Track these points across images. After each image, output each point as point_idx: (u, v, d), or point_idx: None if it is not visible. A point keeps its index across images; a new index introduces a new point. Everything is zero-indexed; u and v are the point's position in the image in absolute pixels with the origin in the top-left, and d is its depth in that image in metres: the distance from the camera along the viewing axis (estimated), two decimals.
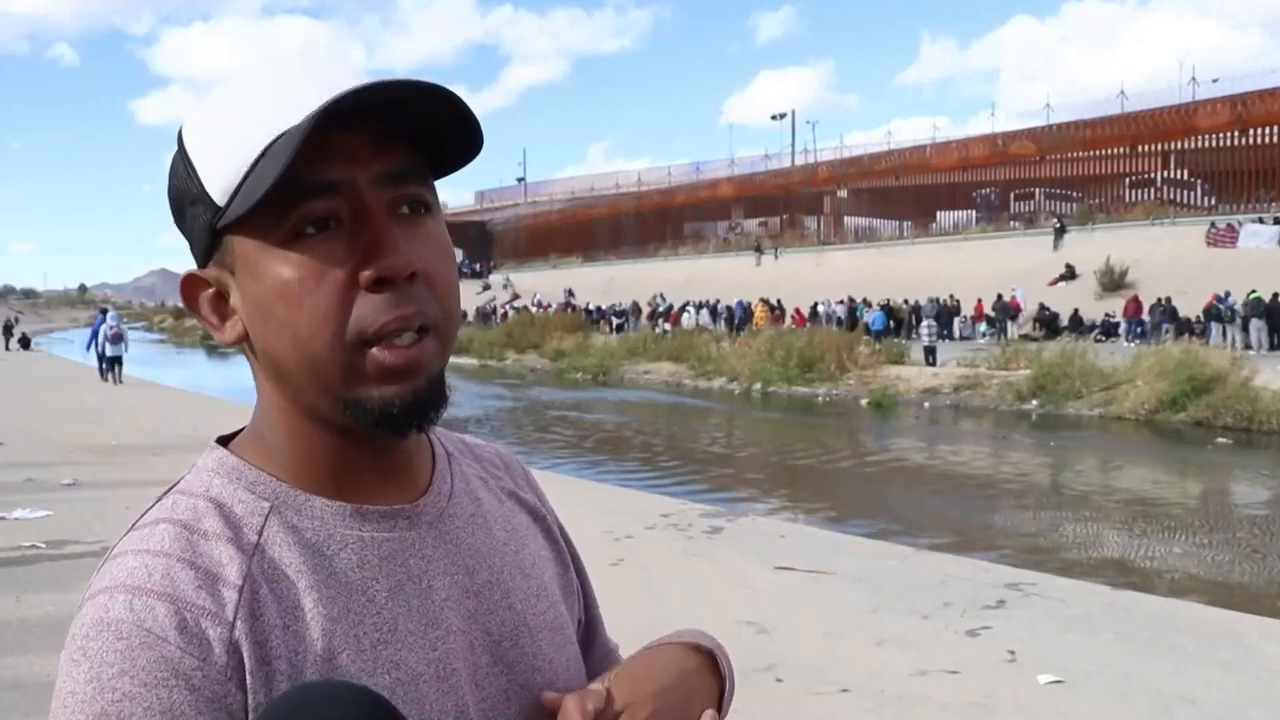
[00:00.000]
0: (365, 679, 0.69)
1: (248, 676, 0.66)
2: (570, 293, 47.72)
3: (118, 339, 22.68)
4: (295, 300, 0.69)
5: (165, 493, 0.75)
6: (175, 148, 0.74)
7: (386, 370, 0.69)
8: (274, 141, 0.68)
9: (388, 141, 0.70)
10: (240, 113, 0.70)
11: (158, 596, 0.66)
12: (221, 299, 0.74)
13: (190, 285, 0.75)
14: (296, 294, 0.69)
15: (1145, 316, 27.08)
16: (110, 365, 22.58)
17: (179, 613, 0.66)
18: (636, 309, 41.37)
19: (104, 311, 26.70)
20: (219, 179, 0.70)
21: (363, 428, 0.71)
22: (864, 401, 20.82)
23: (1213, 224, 32.55)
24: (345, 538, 0.73)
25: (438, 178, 0.76)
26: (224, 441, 0.78)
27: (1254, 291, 23.88)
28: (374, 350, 0.69)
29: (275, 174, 0.65)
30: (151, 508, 0.74)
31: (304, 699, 0.64)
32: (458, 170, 0.76)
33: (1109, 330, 27.91)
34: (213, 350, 51.95)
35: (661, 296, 42.37)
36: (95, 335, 23.28)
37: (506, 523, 0.85)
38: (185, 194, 0.72)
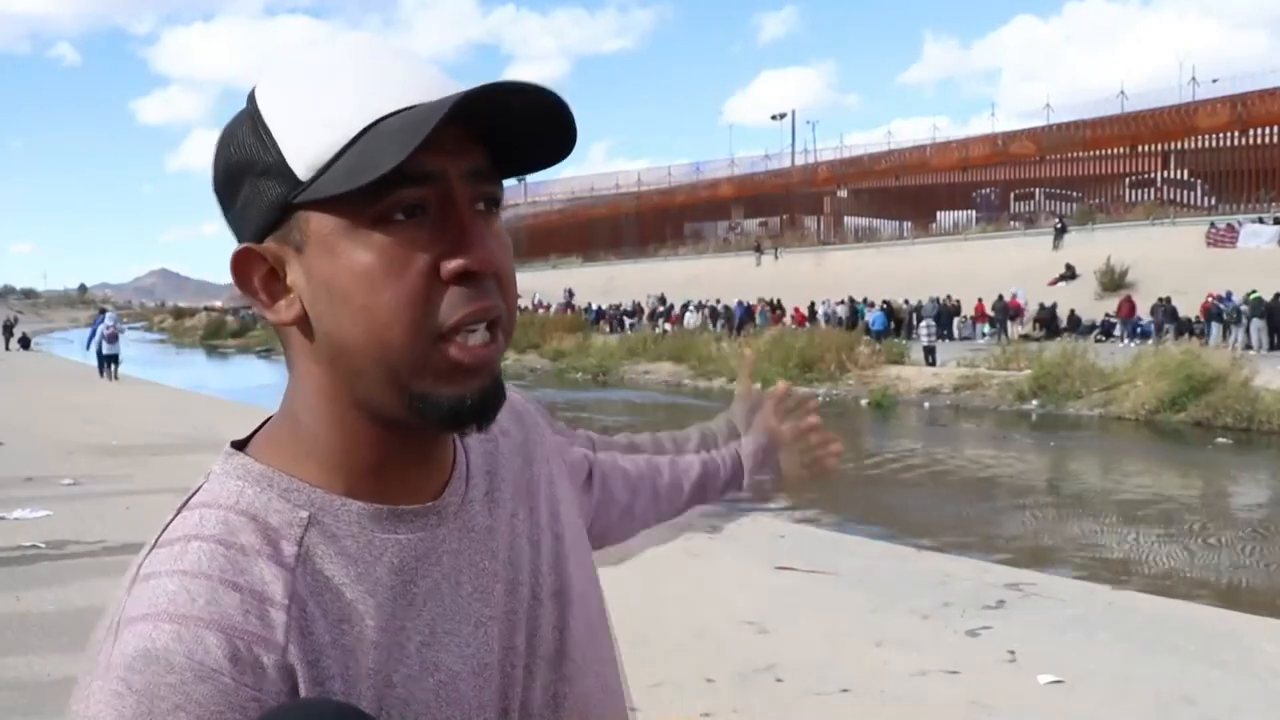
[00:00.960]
0: (413, 685, 0.70)
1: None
2: (570, 293, 47.71)
3: (114, 338, 23.64)
4: (376, 285, 0.67)
5: (185, 504, 0.72)
6: (246, 112, 0.71)
7: (462, 368, 0.69)
8: (378, 122, 0.67)
9: (472, 139, 0.70)
10: (335, 87, 0.68)
11: (206, 625, 0.63)
12: (275, 277, 0.71)
13: (245, 260, 0.71)
14: (379, 279, 0.67)
15: (1146, 317, 27.08)
16: (108, 363, 23.56)
17: (230, 641, 0.63)
18: (639, 309, 41.39)
19: (103, 312, 28.02)
20: (304, 152, 0.67)
21: (430, 423, 0.70)
22: (864, 402, 20.82)
23: (1213, 224, 32.57)
24: (384, 543, 0.72)
25: (506, 178, 0.76)
26: (239, 446, 0.75)
27: (1254, 291, 23.89)
28: (450, 347, 0.68)
29: (398, 157, 0.63)
30: (174, 521, 0.70)
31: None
32: (519, 175, 0.77)
33: (1109, 330, 27.93)
34: (213, 350, 51.96)
35: (661, 298, 42.34)
36: (94, 334, 24.29)
37: (515, 488, 0.85)
38: (252, 165, 0.69)
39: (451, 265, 0.67)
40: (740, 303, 36.54)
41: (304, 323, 0.71)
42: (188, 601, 0.64)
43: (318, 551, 0.70)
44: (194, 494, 0.72)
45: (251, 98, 0.71)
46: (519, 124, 0.70)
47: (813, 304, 34.91)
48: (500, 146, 0.72)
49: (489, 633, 0.76)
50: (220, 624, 0.64)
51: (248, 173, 0.70)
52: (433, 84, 0.69)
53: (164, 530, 0.70)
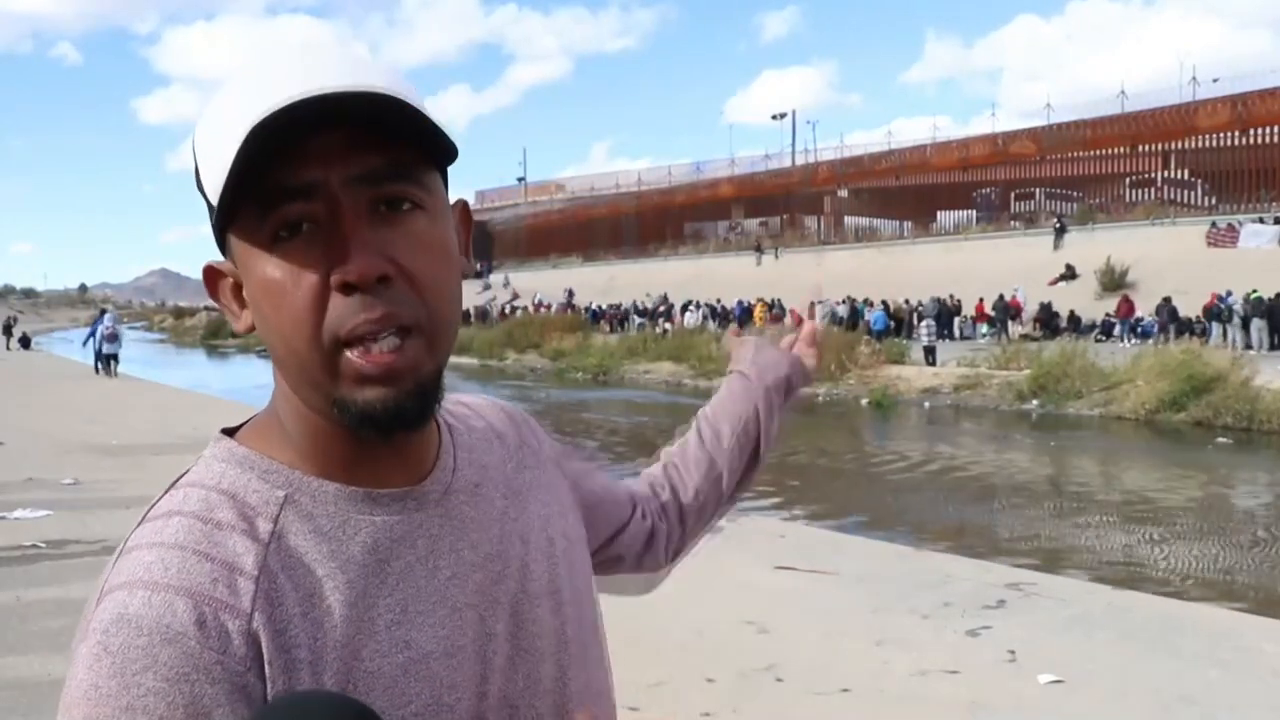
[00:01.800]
0: (380, 659, 0.72)
1: (266, 666, 0.68)
2: (570, 293, 47.70)
3: (113, 338, 24.66)
4: (277, 301, 0.70)
5: (173, 485, 0.75)
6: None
7: (364, 377, 0.70)
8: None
9: (369, 140, 0.69)
10: (227, 112, 0.70)
11: (175, 591, 0.67)
12: (239, 289, 0.76)
13: (209, 276, 0.78)
14: (277, 294, 0.70)
15: (1149, 317, 27.06)
16: (106, 361, 24.51)
17: (197, 607, 0.67)
18: (648, 309, 41.22)
19: (103, 312, 29.26)
20: (212, 179, 0.71)
21: (350, 426, 0.72)
22: (864, 401, 20.82)
23: (1213, 224, 32.55)
24: (359, 523, 0.75)
25: (443, 168, 0.76)
26: (230, 433, 0.79)
27: (1255, 291, 23.89)
28: (350, 354, 0.70)
29: (225, 185, 0.68)
30: (160, 500, 0.74)
31: (283, 711, 0.65)
32: (450, 163, 0.76)
33: (1108, 330, 27.92)
34: (213, 350, 51.95)
35: (664, 298, 42.26)
36: (94, 334, 25.38)
37: (508, 486, 0.87)
38: (200, 191, 0.74)
39: (334, 277, 0.69)
40: (740, 302, 36.52)
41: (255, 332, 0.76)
42: (161, 570, 0.68)
43: (292, 529, 0.73)
44: (182, 475, 0.76)
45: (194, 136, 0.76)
46: (400, 120, 0.70)
47: (812, 304, 34.74)
48: (415, 140, 0.72)
49: (464, 618, 0.77)
50: (189, 591, 0.67)
51: (206, 203, 0.74)
52: (316, 87, 0.68)
53: (151, 507, 0.74)
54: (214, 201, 0.71)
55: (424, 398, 0.73)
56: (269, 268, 0.70)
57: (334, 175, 0.69)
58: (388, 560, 0.75)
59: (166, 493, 0.75)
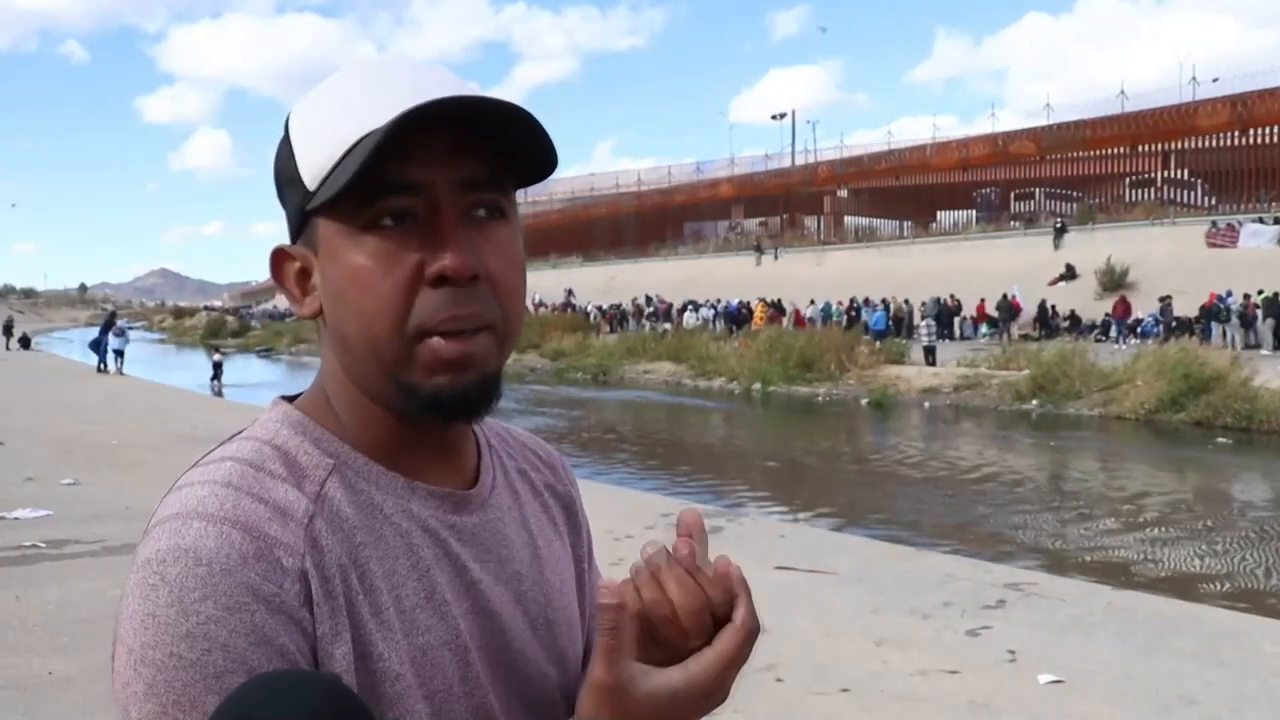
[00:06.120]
0: (400, 639, 0.74)
1: (315, 607, 0.70)
2: (570, 293, 47.70)
3: (104, 330, 27.33)
4: (365, 286, 0.73)
5: (229, 438, 0.78)
6: (284, 131, 0.79)
7: (441, 361, 0.73)
8: (362, 139, 0.72)
9: (470, 148, 0.74)
10: (338, 106, 0.75)
11: (231, 524, 0.68)
12: (305, 275, 0.79)
13: (278, 258, 0.80)
14: (367, 280, 0.73)
15: (1144, 316, 27.06)
16: (103, 353, 26.56)
17: (254, 541, 0.68)
18: (635, 311, 41.25)
19: (113, 313, 32.29)
20: (312, 166, 0.75)
21: (413, 411, 0.76)
22: (864, 401, 20.82)
23: (1213, 224, 32.57)
24: (397, 506, 0.78)
25: (521, 186, 0.79)
26: (288, 400, 0.82)
27: (1261, 291, 23.92)
28: (431, 340, 0.73)
29: (352, 171, 0.70)
30: (215, 449, 0.77)
31: (265, 687, 0.64)
32: (536, 182, 0.79)
33: (1108, 330, 27.93)
34: (213, 350, 51.94)
35: (648, 298, 42.13)
36: (116, 336, 27.69)
37: (537, 518, 0.90)
38: (284, 175, 0.78)
39: (430, 269, 0.72)
40: (735, 302, 36.51)
41: (323, 316, 0.78)
42: (216, 504, 0.70)
43: (337, 495, 0.75)
44: (240, 431, 0.79)
45: (287, 117, 0.79)
46: (512, 135, 0.74)
47: (812, 301, 34.87)
48: (508, 154, 0.75)
49: (479, 625, 0.79)
50: (244, 525, 0.69)
51: (284, 184, 0.78)
52: (431, 92, 0.72)
53: (206, 454, 0.77)
54: (311, 187, 0.74)
55: (487, 390, 0.76)
56: (361, 255, 0.73)
57: (440, 177, 0.73)
58: (421, 547, 0.77)
59: (222, 444, 0.77)
